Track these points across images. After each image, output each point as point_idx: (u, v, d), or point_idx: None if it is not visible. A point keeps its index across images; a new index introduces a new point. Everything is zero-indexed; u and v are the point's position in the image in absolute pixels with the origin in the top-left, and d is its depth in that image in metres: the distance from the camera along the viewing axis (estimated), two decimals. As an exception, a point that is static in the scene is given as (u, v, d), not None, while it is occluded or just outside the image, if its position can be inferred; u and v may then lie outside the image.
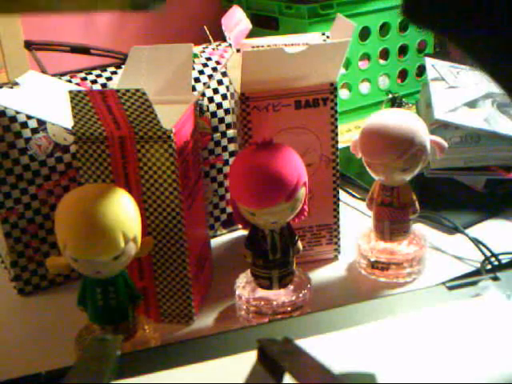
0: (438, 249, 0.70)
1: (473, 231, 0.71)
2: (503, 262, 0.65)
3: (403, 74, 1.12)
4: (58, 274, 0.66)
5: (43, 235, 0.65)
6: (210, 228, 0.73)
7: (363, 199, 0.75)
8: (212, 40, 0.72)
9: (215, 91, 0.69)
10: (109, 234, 0.46)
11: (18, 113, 0.61)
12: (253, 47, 0.69)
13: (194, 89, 0.67)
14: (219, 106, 0.69)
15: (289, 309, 0.57)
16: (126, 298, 0.51)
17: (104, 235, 0.46)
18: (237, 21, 0.69)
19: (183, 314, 0.60)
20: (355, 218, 0.76)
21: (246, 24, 0.70)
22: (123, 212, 0.47)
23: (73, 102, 0.51)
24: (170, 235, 0.57)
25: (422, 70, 1.11)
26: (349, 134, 1.01)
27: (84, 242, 0.46)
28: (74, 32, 2.29)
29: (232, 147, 0.71)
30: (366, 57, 1.07)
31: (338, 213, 0.67)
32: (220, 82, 0.70)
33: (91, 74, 0.67)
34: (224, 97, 0.70)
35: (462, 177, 0.81)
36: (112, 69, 0.68)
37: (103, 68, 0.68)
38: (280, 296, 0.58)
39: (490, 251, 0.66)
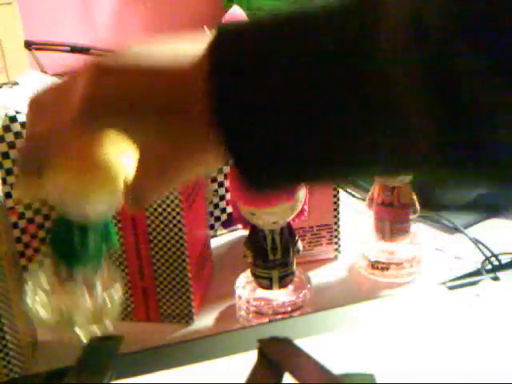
0: (438, 249, 0.69)
1: (473, 231, 0.71)
2: (503, 262, 0.65)
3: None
4: (58, 274, 0.66)
5: (43, 235, 0.65)
6: (210, 228, 0.73)
7: (363, 199, 0.75)
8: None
9: (215, 91, 0.69)
10: (106, 170, 0.42)
11: (18, 113, 0.61)
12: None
13: (194, 89, 0.67)
14: (219, 105, 0.69)
15: (289, 309, 0.57)
16: (102, 248, 0.46)
17: (101, 170, 0.42)
18: (237, 20, 0.68)
19: (183, 314, 0.60)
20: (355, 218, 0.76)
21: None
22: (122, 157, 0.45)
23: (73, 102, 0.51)
24: (170, 235, 0.57)
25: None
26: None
27: (78, 175, 0.43)
28: (73, 32, 2.29)
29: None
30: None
31: (338, 213, 0.67)
32: (220, 82, 0.70)
33: (91, 73, 0.66)
34: (224, 97, 0.70)
35: (462, 177, 0.80)
36: (112, 69, 0.68)
37: (103, 68, 0.68)
38: (280, 296, 0.58)
39: (490, 251, 0.66)
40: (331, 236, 0.68)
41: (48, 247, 0.45)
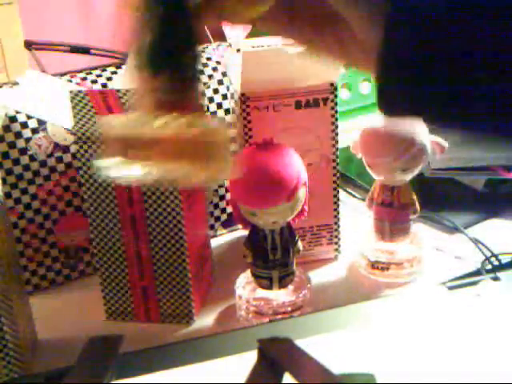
0: (438, 249, 0.69)
1: (473, 231, 0.70)
2: (503, 262, 0.65)
3: (403, 74, 1.12)
4: (58, 274, 0.66)
5: (43, 235, 0.65)
6: (210, 228, 0.73)
7: (363, 199, 0.75)
8: (212, 40, 0.72)
9: (215, 91, 0.69)
10: None
11: (18, 113, 0.61)
12: (253, 47, 0.69)
13: (194, 89, 0.67)
14: (219, 106, 0.69)
15: (289, 309, 0.57)
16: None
17: None
18: None
19: (183, 314, 0.60)
20: (355, 218, 0.76)
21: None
22: None
23: (73, 102, 0.51)
24: (170, 235, 0.57)
25: (422, 70, 1.11)
26: (349, 134, 1.01)
27: None
28: (73, 32, 2.29)
29: (232, 147, 0.71)
30: (366, 57, 1.06)
31: (338, 213, 0.67)
32: (220, 82, 0.70)
33: (91, 74, 0.66)
34: (224, 97, 0.70)
35: (462, 177, 0.80)
36: (112, 69, 0.68)
37: (103, 68, 0.68)
38: (280, 296, 0.58)
39: (490, 251, 0.66)
40: (331, 236, 0.68)
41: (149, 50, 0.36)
